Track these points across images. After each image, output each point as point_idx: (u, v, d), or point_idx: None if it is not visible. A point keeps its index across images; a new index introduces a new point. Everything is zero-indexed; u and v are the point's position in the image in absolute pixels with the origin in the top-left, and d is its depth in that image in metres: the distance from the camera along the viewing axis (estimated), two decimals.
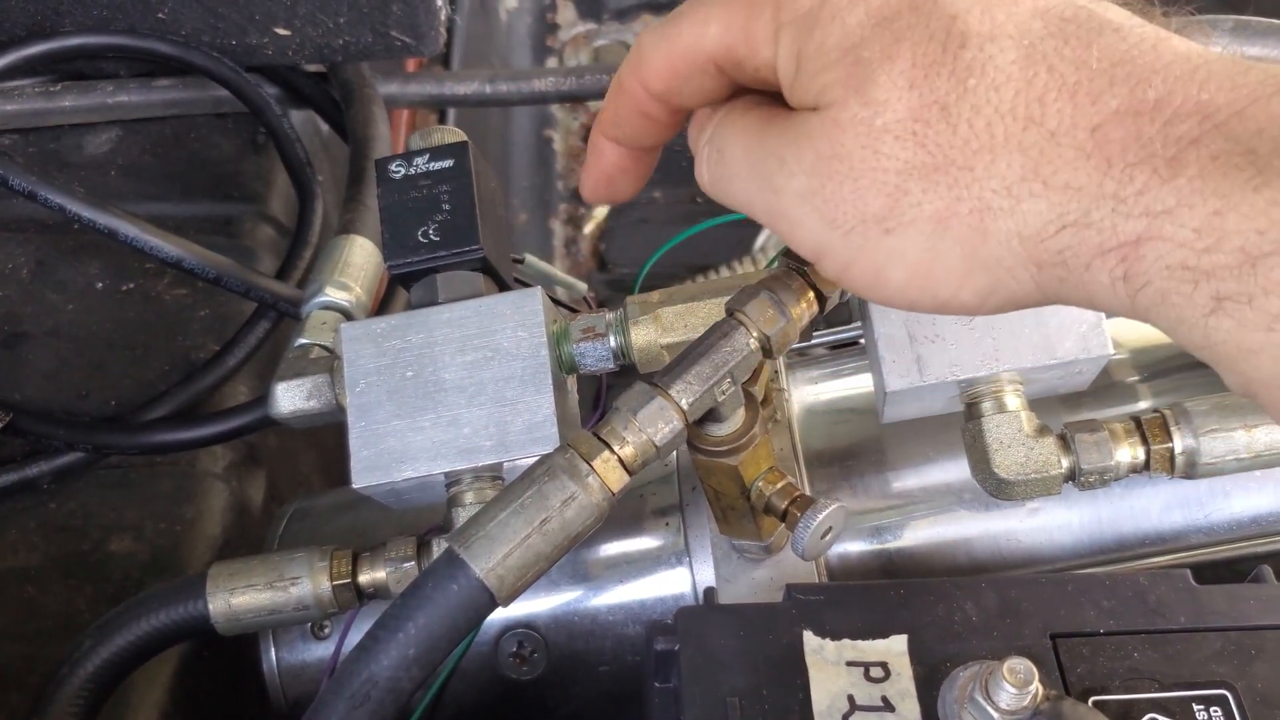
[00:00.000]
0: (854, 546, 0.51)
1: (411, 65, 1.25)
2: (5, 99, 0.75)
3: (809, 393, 0.55)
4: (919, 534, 0.51)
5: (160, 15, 0.74)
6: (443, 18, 0.77)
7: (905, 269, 0.30)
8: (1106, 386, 0.52)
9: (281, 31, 0.76)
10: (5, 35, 0.73)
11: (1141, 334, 0.55)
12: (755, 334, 0.40)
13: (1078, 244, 0.28)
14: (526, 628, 0.55)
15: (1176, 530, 0.49)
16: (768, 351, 0.41)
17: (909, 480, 0.51)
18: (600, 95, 0.86)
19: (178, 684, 0.57)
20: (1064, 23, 0.29)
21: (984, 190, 0.29)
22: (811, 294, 0.40)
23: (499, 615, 0.56)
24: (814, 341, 0.60)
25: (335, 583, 0.47)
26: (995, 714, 0.35)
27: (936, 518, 0.51)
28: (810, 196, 0.31)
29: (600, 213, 1.40)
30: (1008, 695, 0.34)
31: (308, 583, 0.47)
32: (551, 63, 1.57)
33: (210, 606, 0.47)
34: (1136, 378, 0.53)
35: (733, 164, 0.35)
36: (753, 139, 0.34)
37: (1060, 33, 0.29)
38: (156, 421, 0.65)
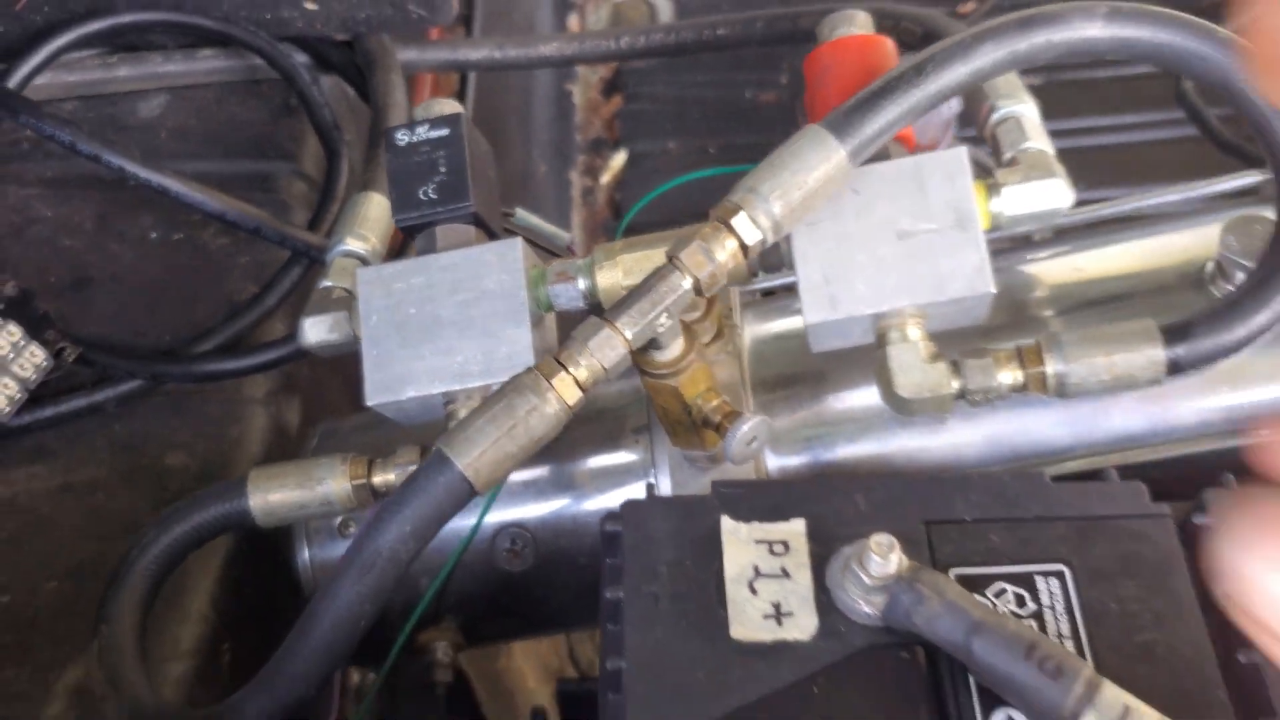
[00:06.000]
0: (792, 460, 0.60)
1: (435, 31, 1.34)
2: (69, 70, 0.85)
3: (760, 328, 0.64)
4: (846, 449, 0.59)
5: None
6: None
7: None
8: (1010, 323, 0.60)
9: (310, 6, 0.85)
10: (68, 14, 0.83)
11: (1055, 277, 0.62)
12: (688, 276, 0.49)
13: None
14: (519, 527, 0.65)
15: (1064, 445, 0.57)
16: (699, 290, 0.49)
17: (840, 403, 0.60)
18: (599, 60, 0.94)
19: (225, 574, 0.66)
20: None
21: None
22: (735, 243, 0.49)
23: (495, 517, 0.65)
24: (770, 284, 0.68)
25: (354, 483, 0.56)
26: (867, 579, 0.43)
27: (862, 434, 0.59)
28: None
29: (616, 164, 1.48)
30: (875, 563, 0.43)
31: (331, 483, 0.56)
32: (573, 20, 1.64)
33: (251, 502, 0.56)
34: (1047, 313, 0.61)
35: None
36: None
37: None
38: (205, 354, 0.74)
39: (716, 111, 1.43)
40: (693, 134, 1.43)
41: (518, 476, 0.65)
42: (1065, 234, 0.65)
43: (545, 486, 0.65)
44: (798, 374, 0.61)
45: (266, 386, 0.76)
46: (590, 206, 1.47)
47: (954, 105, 1.09)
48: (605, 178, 1.48)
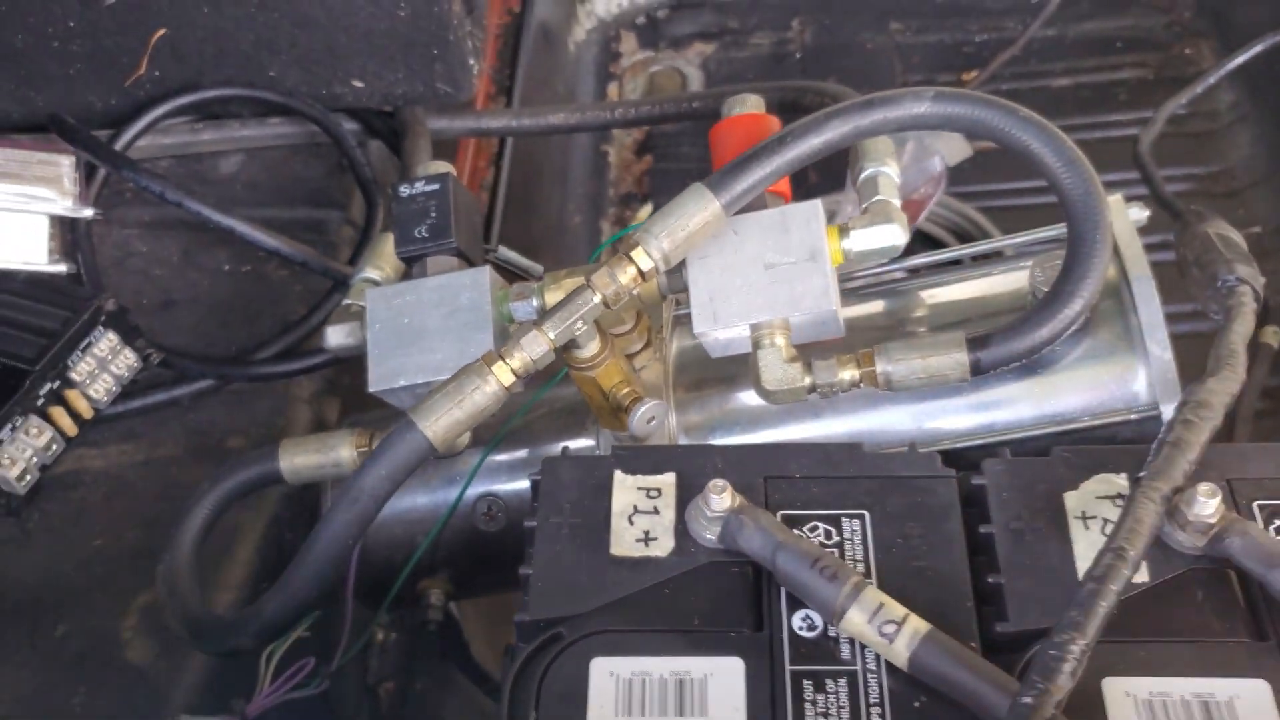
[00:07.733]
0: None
1: (481, 100, 1.53)
2: (164, 135, 1.05)
3: (685, 341, 0.79)
4: (744, 436, 0.75)
5: (271, 74, 1.03)
6: (475, 73, 1.04)
7: None
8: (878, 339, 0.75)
9: (358, 84, 1.04)
10: (164, 90, 1.03)
11: (918, 303, 0.77)
12: (598, 293, 0.65)
13: None
14: (494, 496, 0.81)
15: (910, 435, 0.72)
16: (608, 304, 0.65)
17: (741, 400, 0.76)
18: (600, 127, 1.11)
19: (267, 532, 0.84)
20: None
21: None
22: (634, 269, 0.65)
23: (476, 489, 0.81)
24: None
25: (358, 450, 0.73)
26: (708, 512, 0.58)
27: (756, 424, 0.75)
28: None
29: (643, 215, 1.65)
30: (713, 500, 0.58)
31: (342, 450, 0.73)
32: (613, 88, 1.83)
33: (281, 464, 0.74)
34: (920, 330, 0.76)
35: None
36: None
37: None
38: (262, 360, 0.92)
39: None
40: None
41: (499, 457, 0.81)
42: (937, 270, 0.80)
43: (518, 465, 0.81)
44: (711, 378, 0.77)
45: (311, 389, 0.94)
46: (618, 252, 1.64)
47: (937, 164, 1.26)
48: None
